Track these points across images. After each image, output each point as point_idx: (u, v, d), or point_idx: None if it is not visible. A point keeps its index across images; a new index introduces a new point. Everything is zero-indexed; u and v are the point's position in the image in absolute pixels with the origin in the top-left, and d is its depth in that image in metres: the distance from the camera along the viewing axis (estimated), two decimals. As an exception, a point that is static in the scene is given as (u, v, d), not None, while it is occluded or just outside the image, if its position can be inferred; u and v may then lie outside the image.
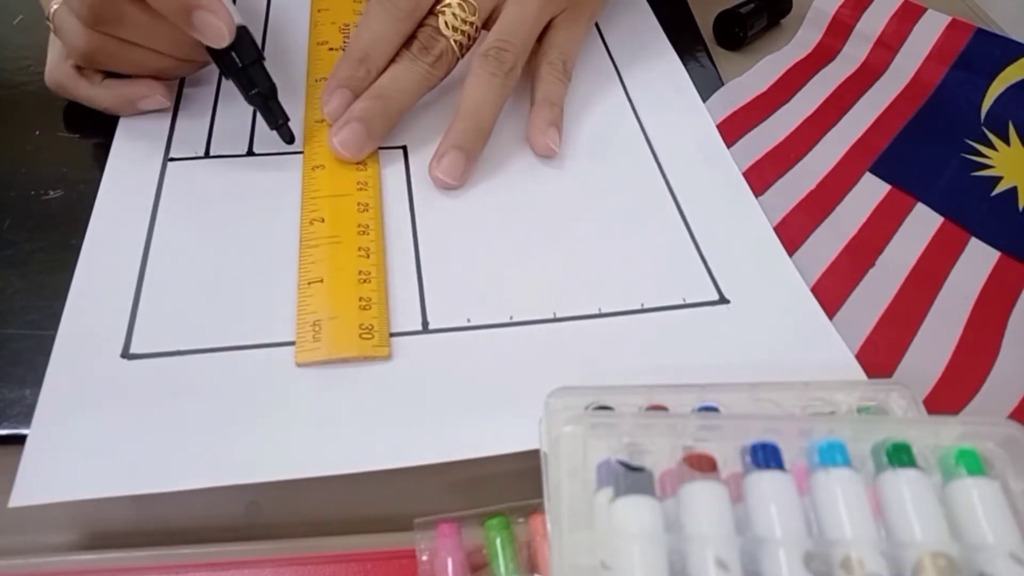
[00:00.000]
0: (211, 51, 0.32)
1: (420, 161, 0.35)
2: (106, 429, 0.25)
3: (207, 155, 0.34)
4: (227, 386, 0.26)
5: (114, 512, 0.23)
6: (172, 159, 0.34)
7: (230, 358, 0.27)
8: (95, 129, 0.36)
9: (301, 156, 0.35)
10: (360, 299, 0.29)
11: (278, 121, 0.33)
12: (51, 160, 0.35)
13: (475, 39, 0.36)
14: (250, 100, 0.33)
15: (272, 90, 0.33)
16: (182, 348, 0.27)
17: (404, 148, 0.35)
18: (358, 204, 0.32)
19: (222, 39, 0.31)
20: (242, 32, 0.31)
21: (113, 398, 0.25)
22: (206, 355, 0.27)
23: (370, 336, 0.28)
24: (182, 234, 0.31)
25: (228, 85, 0.37)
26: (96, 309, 0.28)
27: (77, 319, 0.28)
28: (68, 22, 0.31)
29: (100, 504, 0.23)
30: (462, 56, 0.36)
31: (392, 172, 0.34)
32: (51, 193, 0.33)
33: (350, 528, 0.24)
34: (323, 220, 0.31)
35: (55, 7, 0.32)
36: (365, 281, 0.29)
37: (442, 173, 0.33)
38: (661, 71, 0.41)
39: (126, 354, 0.27)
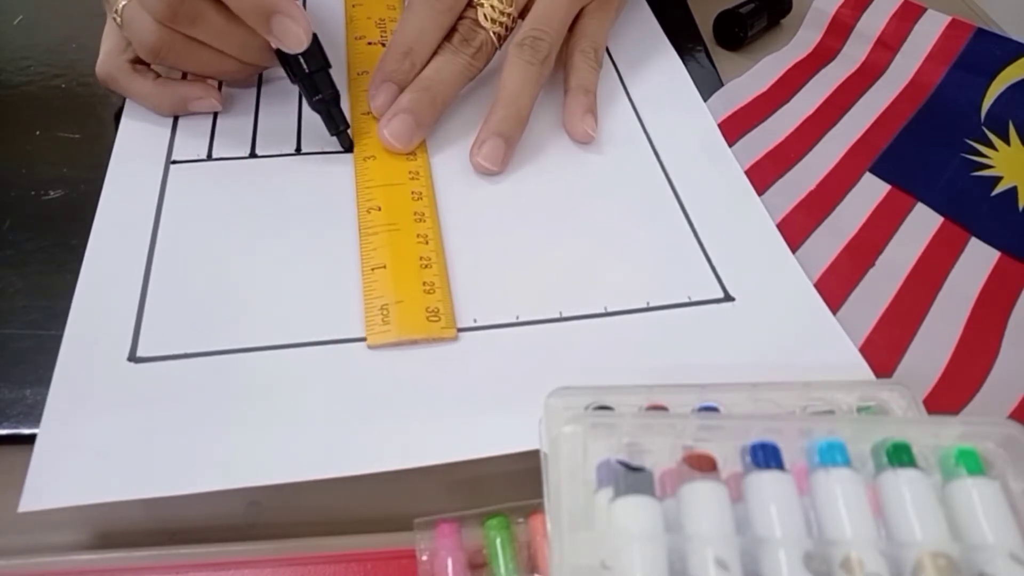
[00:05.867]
0: (280, 56, 0.32)
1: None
2: (114, 433, 0.25)
3: (210, 158, 0.34)
4: (233, 389, 0.26)
5: (115, 513, 0.23)
6: (175, 161, 0.34)
7: (236, 361, 0.27)
8: (95, 129, 0.36)
9: (303, 158, 0.35)
10: (424, 283, 0.29)
11: (339, 127, 0.34)
12: (51, 160, 0.35)
13: (512, 30, 0.37)
14: (314, 106, 0.34)
15: (335, 97, 0.34)
16: (189, 351, 0.27)
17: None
18: (412, 193, 0.33)
19: (300, 44, 0.31)
20: (314, 39, 0.32)
21: (120, 402, 0.25)
22: (212, 358, 0.27)
23: (437, 319, 0.28)
24: (186, 237, 0.31)
25: (229, 87, 0.37)
26: (102, 313, 0.28)
27: (83, 323, 0.28)
28: (139, 17, 0.32)
29: (102, 505, 0.23)
30: (500, 47, 0.37)
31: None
32: (51, 193, 0.33)
33: (350, 528, 0.24)
34: (379, 209, 0.32)
35: (124, 2, 0.32)
36: (427, 266, 0.30)
37: (483, 159, 0.34)
38: (662, 71, 0.41)
39: (133, 357, 0.27)
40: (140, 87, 0.35)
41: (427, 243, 0.31)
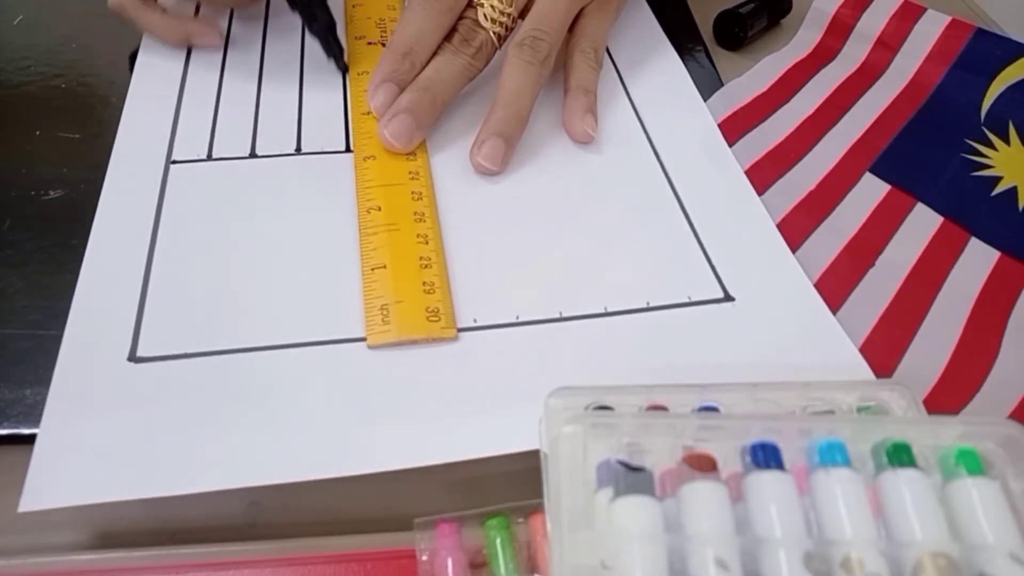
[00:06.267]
0: None
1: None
2: (114, 433, 0.25)
3: (210, 157, 0.34)
4: (233, 389, 0.26)
5: (115, 513, 0.23)
6: (175, 161, 0.34)
7: (236, 361, 0.27)
8: (95, 129, 0.36)
9: (303, 158, 0.35)
10: (424, 283, 0.29)
11: (335, 52, 0.37)
12: (51, 160, 0.35)
13: (512, 30, 0.37)
14: (313, 32, 0.37)
15: (332, 25, 0.37)
16: (189, 351, 0.27)
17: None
18: (412, 193, 0.33)
19: None
20: None
21: (121, 402, 0.25)
22: (212, 358, 0.27)
23: (437, 319, 0.28)
24: (186, 237, 0.31)
25: (229, 86, 0.38)
26: (102, 313, 0.28)
27: (83, 323, 0.28)
28: None
29: (102, 505, 0.23)
30: (500, 47, 0.37)
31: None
32: (51, 193, 0.33)
33: (350, 528, 0.24)
34: (379, 209, 0.32)
35: None
36: (427, 266, 0.30)
37: (483, 159, 0.34)
38: (662, 71, 0.41)
39: (133, 357, 0.27)
40: (149, 19, 0.37)
41: (427, 243, 0.31)
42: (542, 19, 0.36)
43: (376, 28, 0.41)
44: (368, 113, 0.35)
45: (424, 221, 0.32)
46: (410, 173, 0.34)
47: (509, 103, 0.35)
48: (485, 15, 0.35)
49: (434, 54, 0.35)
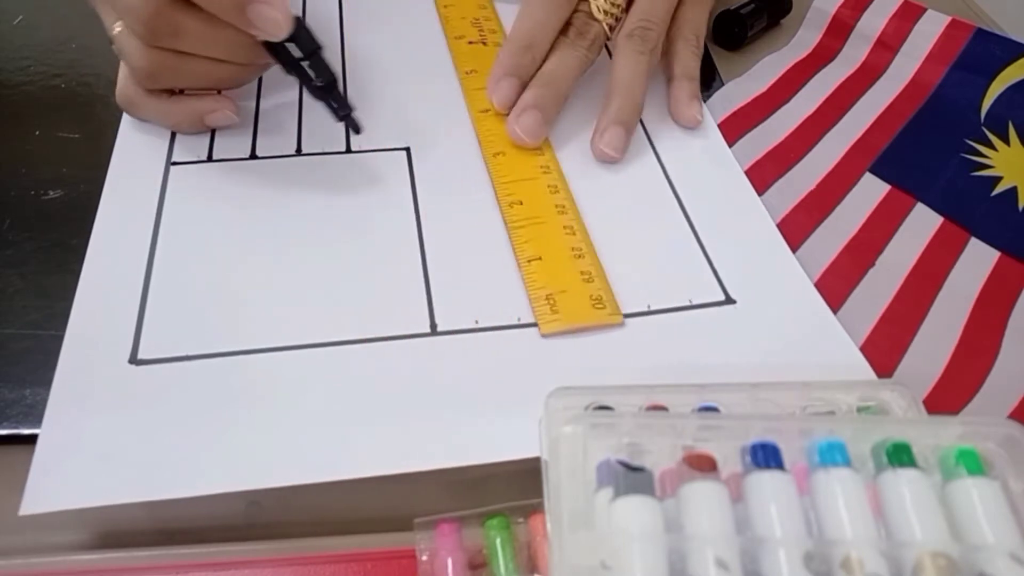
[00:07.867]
0: (269, 47, 0.31)
1: (423, 164, 0.35)
2: (115, 435, 0.25)
3: (210, 159, 0.34)
4: (234, 391, 0.26)
5: (115, 513, 0.23)
6: (175, 163, 0.34)
7: (236, 363, 0.27)
8: (95, 129, 0.36)
9: (304, 159, 0.35)
10: (581, 273, 0.30)
11: (343, 112, 0.32)
12: (51, 160, 0.35)
13: (621, 20, 0.38)
14: (313, 93, 0.32)
15: (332, 81, 0.32)
16: (190, 353, 0.27)
17: (407, 150, 0.35)
18: (548, 186, 0.34)
19: (279, 30, 0.30)
20: (298, 23, 0.30)
21: (121, 404, 0.25)
22: (213, 360, 0.27)
23: (602, 306, 0.29)
24: (187, 239, 0.31)
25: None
26: (102, 315, 0.28)
27: (83, 325, 0.27)
28: (129, 44, 0.31)
29: (103, 506, 0.23)
30: (610, 38, 0.38)
31: (396, 175, 0.34)
32: (51, 193, 0.33)
33: (350, 528, 0.24)
34: (521, 203, 0.33)
35: (117, 30, 0.31)
36: (580, 256, 0.31)
37: (606, 146, 0.35)
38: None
39: (134, 360, 0.27)
40: (156, 107, 0.34)
41: (575, 234, 0.32)
42: (649, 10, 0.37)
43: (473, 27, 0.42)
44: (486, 111, 0.36)
45: (566, 213, 0.33)
46: (541, 167, 0.35)
47: (625, 92, 0.36)
48: (598, 7, 0.37)
49: (551, 48, 0.36)
